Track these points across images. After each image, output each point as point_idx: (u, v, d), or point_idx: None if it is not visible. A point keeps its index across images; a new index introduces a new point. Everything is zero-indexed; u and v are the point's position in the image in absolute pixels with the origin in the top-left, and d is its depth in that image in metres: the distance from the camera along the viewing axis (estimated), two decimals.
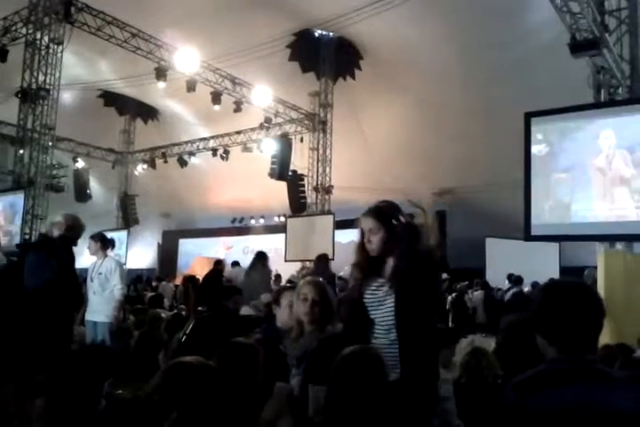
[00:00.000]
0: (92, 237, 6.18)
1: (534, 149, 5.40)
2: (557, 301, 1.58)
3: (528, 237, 5.42)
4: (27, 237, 10.76)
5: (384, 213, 2.43)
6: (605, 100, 6.20)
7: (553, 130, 5.55)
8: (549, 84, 11.06)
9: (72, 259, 4.35)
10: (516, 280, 10.71)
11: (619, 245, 6.07)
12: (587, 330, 1.56)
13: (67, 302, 4.10)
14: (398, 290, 2.31)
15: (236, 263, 11.25)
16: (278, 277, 13.16)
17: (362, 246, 2.46)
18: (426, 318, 2.35)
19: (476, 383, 3.31)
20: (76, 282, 4.36)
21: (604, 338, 4.33)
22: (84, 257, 7.25)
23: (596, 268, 6.12)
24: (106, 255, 6.16)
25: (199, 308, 6.51)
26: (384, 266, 2.43)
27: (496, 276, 12.71)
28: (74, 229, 4.38)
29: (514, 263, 12.26)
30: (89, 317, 5.89)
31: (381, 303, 2.38)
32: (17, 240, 10.21)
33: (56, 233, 4.20)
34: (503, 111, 11.96)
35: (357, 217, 2.52)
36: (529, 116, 5.60)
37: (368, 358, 2.05)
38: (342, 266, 15.07)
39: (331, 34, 14.79)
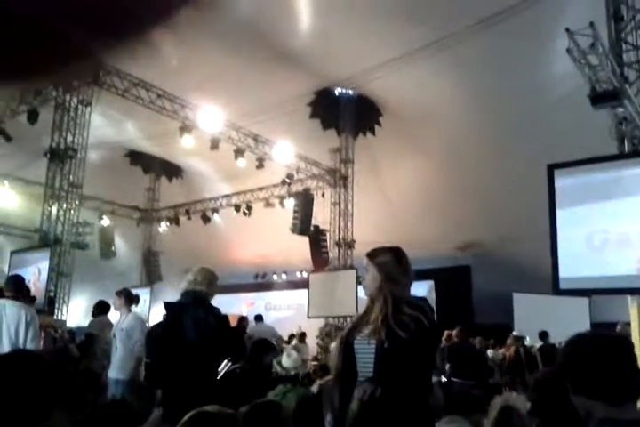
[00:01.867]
0: (118, 293, 6.19)
1: (560, 199, 5.33)
2: (588, 351, 1.52)
3: (556, 290, 5.27)
4: (51, 294, 10.80)
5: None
6: (629, 151, 6.15)
7: (578, 182, 5.49)
8: (570, 136, 11.07)
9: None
10: (540, 335, 10.39)
11: None
12: (627, 372, 1.48)
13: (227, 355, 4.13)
14: (384, 341, 2.31)
15: (258, 318, 11.08)
16: (303, 335, 12.92)
17: None
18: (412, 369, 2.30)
19: None
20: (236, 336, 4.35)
21: None
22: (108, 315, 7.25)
23: (628, 323, 5.90)
24: (129, 311, 6.13)
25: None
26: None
27: (525, 332, 12.34)
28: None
29: (542, 319, 11.91)
30: (111, 374, 5.81)
31: (368, 347, 2.39)
32: (40, 297, 10.22)
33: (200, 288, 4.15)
34: (524, 163, 11.97)
35: None
36: (552, 168, 5.55)
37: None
38: None
39: (350, 91, 15.11)
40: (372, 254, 2.59)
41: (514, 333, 11.66)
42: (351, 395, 2.23)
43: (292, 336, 12.71)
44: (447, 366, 7.73)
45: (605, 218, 5.19)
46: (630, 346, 1.58)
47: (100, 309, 7.26)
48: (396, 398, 2.15)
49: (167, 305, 4.15)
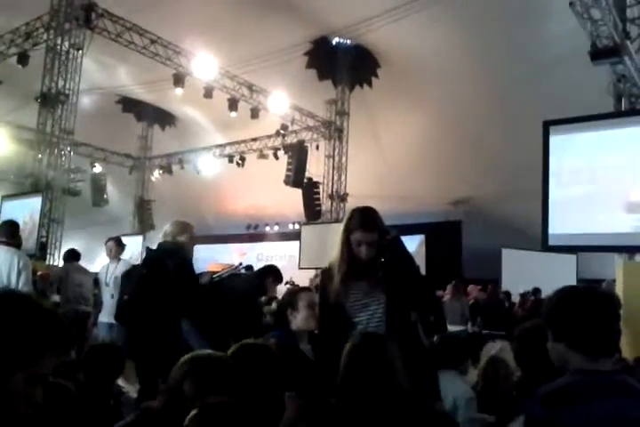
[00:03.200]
0: (116, 240, 6.27)
1: (554, 158, 5.32)
2: (576, 301, 1.56)
3: (545, 246, 5.34)
4: (43, 239, 10.84)
5: (379, 225, 2.56)
6: (626, 109, 6.11)
7: (573, 139, 5.47)
8: (569, 93, 10.96)
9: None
10: (533, 292, 10.63)
11: (638, 257, 5.95)
12: (609, 329, 1.54)
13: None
14: (392, 291, 2.48)
15: (249, 268, 11.18)
16: (292, 284, 13.11)
17: (348, 254, 2.56)
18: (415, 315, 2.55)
19: (492, 393, 3.25)
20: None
21: (624, 352, 4.23)
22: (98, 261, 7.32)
23: (614, 280, 6.00)
24: (119, 259, 6.18)
25: None
26: (367, 271, 2.54)
27: (512, 287, 12.55)
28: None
29: (530, 275, 12.09)
30: (104, 319, 5.92)
31: (368, 306, 2.52)
32: (32, 243, 10.24)
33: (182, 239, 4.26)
34: (521, 120, 11.87)
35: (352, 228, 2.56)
36: (548, 125, 5.52)
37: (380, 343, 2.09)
38: None
39: (348, 41, 14.80)
40: None
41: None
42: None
43: (286, 283, 12.90)
44: (478, 319, 9.04)
45: (598, 176, 5.21)
46: (617, 305, 1.62)
47: (71, 256, 7.29)
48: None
49: (149, 250, 4.38)
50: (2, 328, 1.08)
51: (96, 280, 6.60)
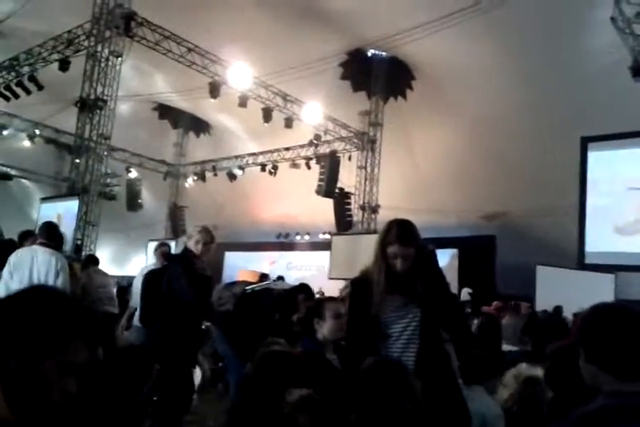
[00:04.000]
0: (168, 247, 6.51)
1: (592, 175, 5.21)
2: (611, 320, 1.49)
3: (582, 264, 5.21)
4: (78, 242, 11.01)
5: (416, 239, 2.55)
6: None
7: (612, 156, 5.35)
8: (608, 108, 10.75)
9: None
10: (554, 310, 10.37)
11: None
12: None
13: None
14: (426, 306, 2.48)
15: (280, 278, 11.22)
16: (322, 295, 13.10)
17: (385, 266, 2.54)
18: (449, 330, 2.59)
19: (529, 414, 3.16)
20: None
21: None
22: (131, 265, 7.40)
23: None
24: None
25: None
26: (404, 285, 2.52)
27: (546, 306, 12.28)
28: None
29: (565, 293, 11.81)
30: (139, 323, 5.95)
31: (402, 318, 2.52)
32: (69, 245, 10.43)
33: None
34: (558, 135, 11.70)
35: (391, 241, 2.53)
36: (586, 141, 5.42)
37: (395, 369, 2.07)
38: None
39: (383, 53, 14.79)
40: None
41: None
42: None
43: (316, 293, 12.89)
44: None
45: (637, 194, 5.07)
46: None
47: (91, 261, 7.52)
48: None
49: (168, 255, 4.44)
50: (29, 316, 1.12)
51: (130, 284, 6.70)
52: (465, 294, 11.64)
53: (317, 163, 16.00)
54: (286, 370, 2.17)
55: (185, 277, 4.07)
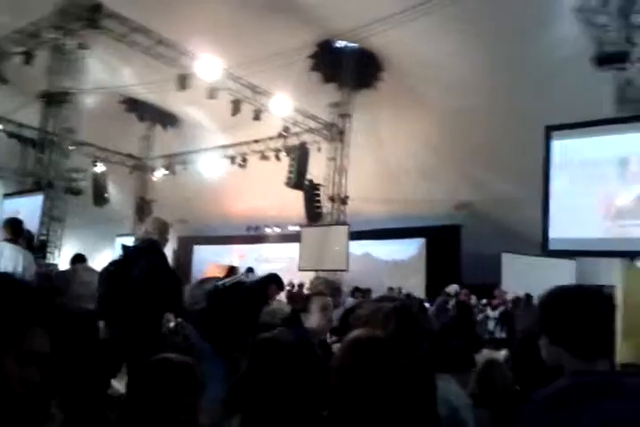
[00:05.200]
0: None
1: (555, 162, 5.33)
2: (572, 301, 1.54)
3: (546, 251, 5.34)
4: (43, 238, 10.85)
5: None
6: (629, 115, 6.10)
7: (575, 144, 5.48)
8: (572, 98, 10.98)
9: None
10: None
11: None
12: (607, 330, 1.52)
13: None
14: None
15: (250, 270, 11.22)
16: (293, 286, 13.21)
17: None
18: None
19: (489, 395, 3.25)
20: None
21: (622, 358, 4.23)
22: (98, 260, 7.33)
23: (614, 287, 5.98)
24: None
25: None
26: None
27: (512, 293, 12.55)
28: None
29: (529, 280, 12.09)
30: None
31: None
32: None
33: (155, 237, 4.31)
34: (523, 125, 11.89)
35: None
36: (550, 130, 5.52)
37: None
38: (355, 277, 15.06)
39: (353, 45, 14.82)
40: None
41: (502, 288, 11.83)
42: None
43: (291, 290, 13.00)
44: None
45: (599, 181, 5.21)
46: (612, 306, 1.61)
47: (78, 259, 7.47)
48: None
49: (124, 247, 4.41)
50: None
51: None
52: (452, 290, 11.77)
53: (287, 155, 15.99)
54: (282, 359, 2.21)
55: (166, 268, 4.13)
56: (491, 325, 10.49)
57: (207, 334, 4.84)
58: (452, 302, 9.90)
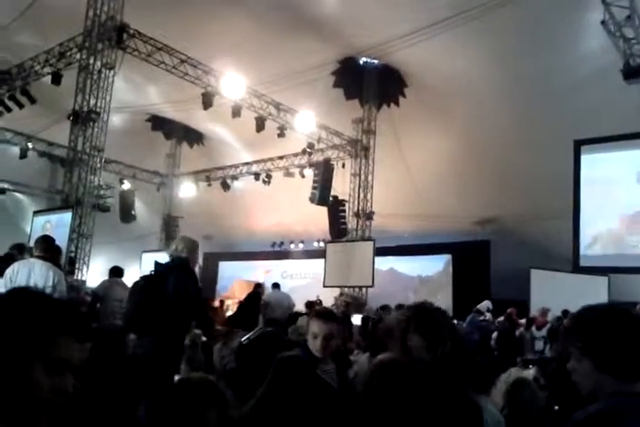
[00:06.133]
0: None
1: (585, 177, 5.24)
2: (610, 321, 1.48)
3: (576, 267, 5.23)
4: (72, 254, 10.97)
5: None
6: None
7: (604, 159, 5.39)
8: (599, 113, 10.83)
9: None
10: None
11: None
12: None
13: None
14: None
15: (275, 285, 11.22)
16: (320, 303, 13.08)
17: None
18: None
19: (519, 415, 3.17)
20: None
21: None
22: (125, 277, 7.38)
23: None
24: None
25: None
26: None
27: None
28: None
29: (560, 297, 11.83)
30: None
31: None
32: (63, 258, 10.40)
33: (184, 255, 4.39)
34: (548, 140, 11.78)
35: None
36: (579, 144, 5.45)
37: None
38: (381, 293, 14.94)
39: (375, 61, 14.86)
40: None
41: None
42: None
43: (312, 304, 12.87)
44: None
45: (630, 196, 5.11)
46: None
47: (115, 273, 7.50)
48: None
49: (157, 264, 4.43)
50: (10, 316, 1.09)
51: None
52: (484, 307, 11.58)
53: (311, 171, 16.02)
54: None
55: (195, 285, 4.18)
56: (538, 345, 10.20)
57: (240, 394, 4.81)
58: (481, 317, 9.73)
